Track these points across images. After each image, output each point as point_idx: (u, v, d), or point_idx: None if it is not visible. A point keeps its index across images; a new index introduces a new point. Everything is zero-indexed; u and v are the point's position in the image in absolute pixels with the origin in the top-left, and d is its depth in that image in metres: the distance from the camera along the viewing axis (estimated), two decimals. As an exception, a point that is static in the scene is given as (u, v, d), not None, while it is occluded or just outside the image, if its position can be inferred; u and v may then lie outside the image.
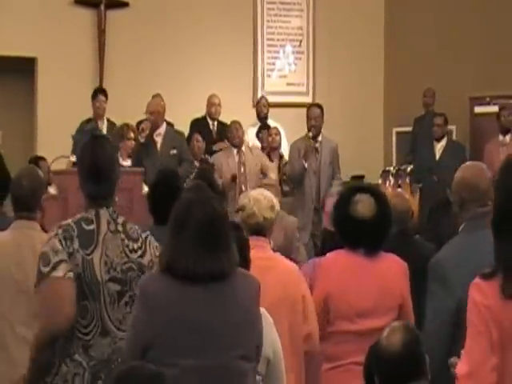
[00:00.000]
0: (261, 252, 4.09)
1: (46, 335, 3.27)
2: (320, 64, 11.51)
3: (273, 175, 8.96)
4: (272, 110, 10.39)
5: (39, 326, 3.30)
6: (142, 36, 10.47)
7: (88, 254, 3.30)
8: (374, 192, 4.20)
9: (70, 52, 10.14)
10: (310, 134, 8.74)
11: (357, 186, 4.37)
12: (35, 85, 10.25)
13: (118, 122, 8.94)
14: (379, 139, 11.67)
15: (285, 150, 9.66)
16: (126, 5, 10.57)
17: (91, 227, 3.35)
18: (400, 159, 10.86)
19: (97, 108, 9.33)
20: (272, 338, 3.58)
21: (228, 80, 10.69)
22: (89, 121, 9.17)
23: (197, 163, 8.95)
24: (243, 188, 8.74)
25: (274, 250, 4.41)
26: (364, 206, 4.08)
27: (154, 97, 9.33)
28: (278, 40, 11.49)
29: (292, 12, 11.58)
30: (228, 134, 9.25)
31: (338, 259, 4.15)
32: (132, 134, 8.47)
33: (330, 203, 5.21)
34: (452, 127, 10.98)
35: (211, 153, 9.36)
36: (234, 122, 9.26)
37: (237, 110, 10.10)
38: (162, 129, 9.05)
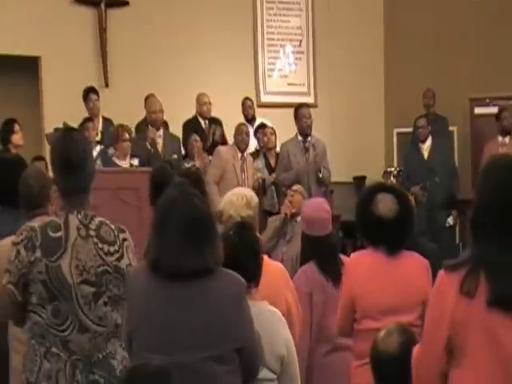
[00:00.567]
0: None
1: None
2: (320, 64, 11.51)
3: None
4: (273, 111, 10.37)
5: None
6: (143, 34, 10.45)
7: (53, 261, 3.32)
8: (396, 192, 4.25)
9: (73, 51, 10.11)
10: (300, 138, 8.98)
11: (379, 185, 4.38)
12: (39, 83, 10.24)
13: (120, 120, 8.88)
14: (380, 140, 11.69)
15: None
16: (127, 3, 10.58)
17: (58, 234, 3.36)
18: (401, 160, 10.86)
19: (91, 108, 9.30)
20: (285, 337, 3.62)
21: (229, 80, 10.67)
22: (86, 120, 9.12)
23: (198, 163, 8.92)
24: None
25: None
26: (386, 205, 4.13)
27: (150, 97, 9.26)
28: (277, 40, 11.48)
29: (291, 12, 11.58)
30: (236, 135, 9.08)
31: (362, 260, 4.22)
32: (127, 135, 8.39)
33: (306, 209, 5.21)
34: (452, 128, 11.02)
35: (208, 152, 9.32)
36: (244, 125, 9.18)
37: (237, 110, 10.10)
38: (161, 131, 9.02)
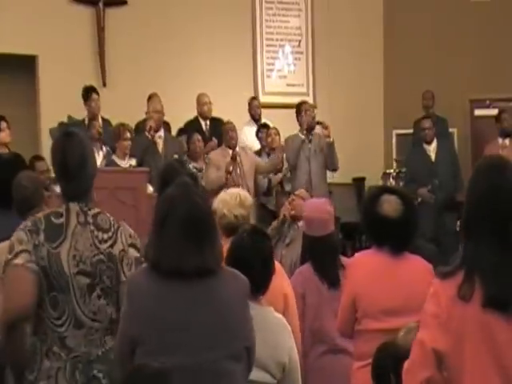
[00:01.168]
0: None
1: (5, 318, 3.26)
2: (319, 64, 11.50)
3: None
4: (272, 111, 10.36)
5: (3, 309, 3.31)
6: (141, 34, 10.45)
7: (54, 248, 3.31)
8: (401, 194, 4.29)
9: (71, 50, 10.10)
10: (302, 134, 9.09)
11: (385, 187, 4.44)
12: (36, 82, 10.22)
13: (119, 119, 8.85)
14: (379, 141, 11.68)
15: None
16: (125, 3, 10.58)
17: (60, 221, 3.36)
18: (400, 161, 10.82)
19: (92, 108, 9.22)
20: (289, 345, 3.62)
21: (228, 80, 10.64)
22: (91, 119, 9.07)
23: (201, 163, 8.90)
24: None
25: None
26: (390, 206, 4.16)
27: (152, 96, 9.27)
28: (276, 40, 11.47)
29: (290, 12, 11.57)
30: (223, 135, 9.08)
31: (365, 260, 4.23)
32: (128, 134, 8.41)
33: (306, 209, 5.23)
34: (452, 130, 10.99)
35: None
36: (229, 123, 9.15)
37: (237, 111, 10.08)
38: (161, 131, 8.99)
